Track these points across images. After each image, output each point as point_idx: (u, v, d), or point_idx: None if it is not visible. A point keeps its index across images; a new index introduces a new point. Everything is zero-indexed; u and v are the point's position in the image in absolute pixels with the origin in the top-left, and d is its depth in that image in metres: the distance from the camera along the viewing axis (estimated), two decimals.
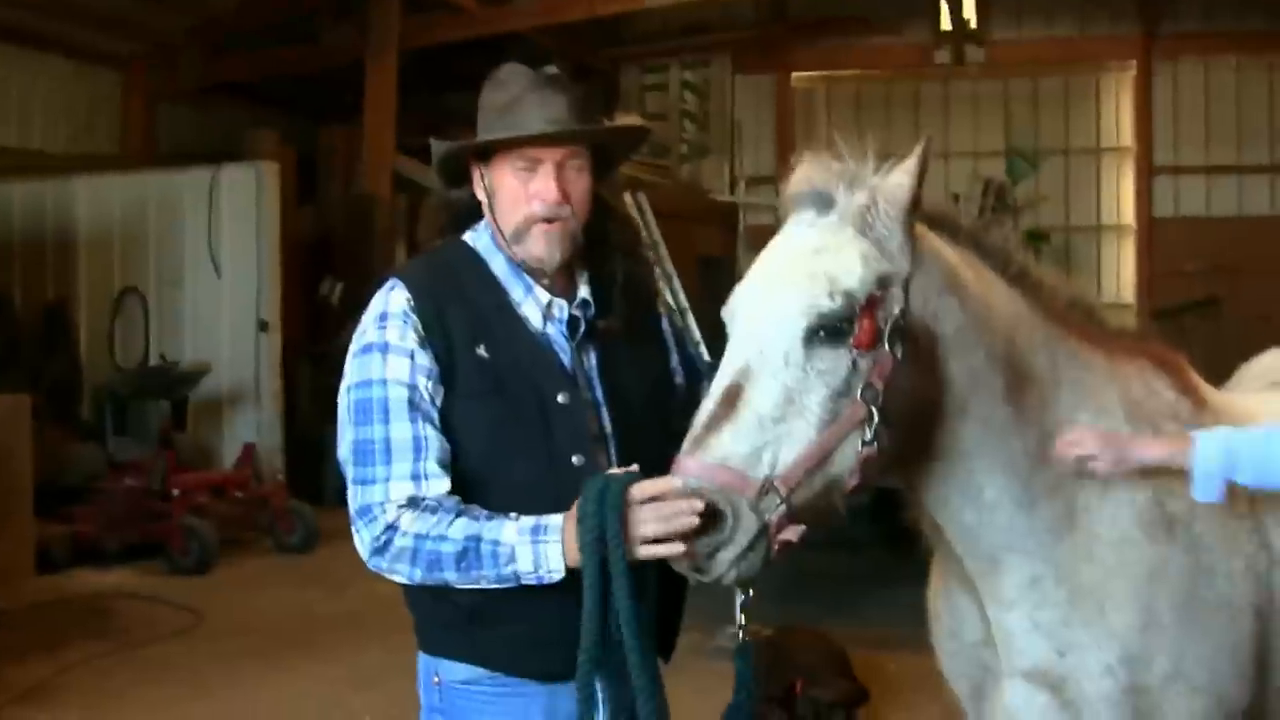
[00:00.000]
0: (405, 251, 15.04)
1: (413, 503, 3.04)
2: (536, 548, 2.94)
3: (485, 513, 3.02)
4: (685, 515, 2.74)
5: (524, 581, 2.96)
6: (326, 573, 11.17)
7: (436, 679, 3.26)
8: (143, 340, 14.36)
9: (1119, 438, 3.16)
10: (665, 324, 3.58)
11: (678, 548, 2.78)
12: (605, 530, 2.82)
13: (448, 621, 3.18)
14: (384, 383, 3.09)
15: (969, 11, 18.17)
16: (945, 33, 18.75)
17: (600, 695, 3.18)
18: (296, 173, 16.16)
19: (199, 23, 17.07)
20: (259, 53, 17.49)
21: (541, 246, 3.17)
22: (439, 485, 3.07)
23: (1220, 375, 4.25)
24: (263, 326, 14.43)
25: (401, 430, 3.07)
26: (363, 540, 3.08)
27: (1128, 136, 19.85)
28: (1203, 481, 3.10)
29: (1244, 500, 3.30)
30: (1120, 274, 19.93)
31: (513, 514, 2.99)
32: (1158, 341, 3.59)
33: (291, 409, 14.69)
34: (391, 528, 3.03)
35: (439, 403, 3.11)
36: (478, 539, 2.98)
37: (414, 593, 3.17)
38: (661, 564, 2.84)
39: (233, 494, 13.01)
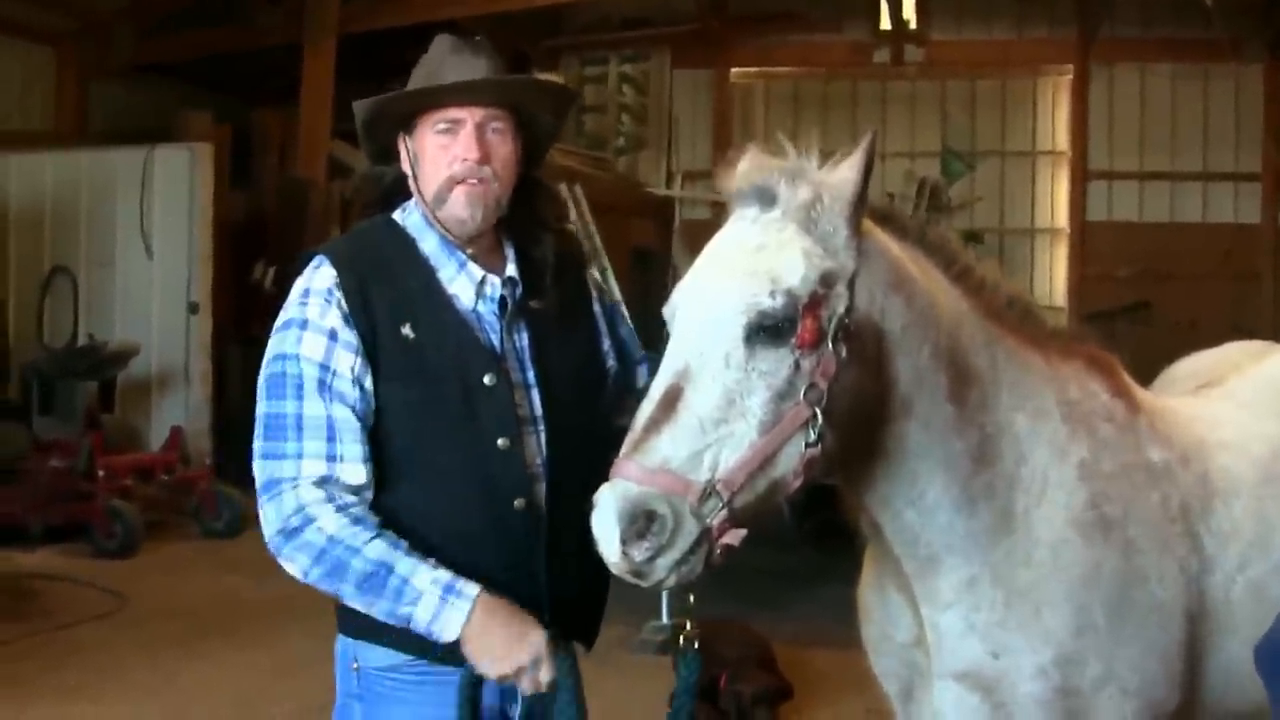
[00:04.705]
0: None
1: (324, 483, 2.98)
2: (442, 605, 2.92)
3: (405, 545, 2.97)
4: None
5: (414, 628, 2.94)
6: (252, 559, 10.92)
7: (355, 665, 3.19)
8: (72, 320, 14.18)
9: None
10: (596, 305, 3.53)
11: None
12: None
13: None
14: (297, 359, 3.04)
15: (909, 11, 18.21)
16: (884, 32, 18.74)
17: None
18: (231, 154, 15.98)
19: (132, 1, 16.86)
20: (193, 33, 17.27)
21: (462, 207, 3.14)
22: (353, 472, 3.02)
23: (1149, 380, 4.28)
24: (193, 309, 14.32)
25: (314, 408, 3.02)
26: (268, 518, 3.01)
27: (1063, 140, 19.95)
28: None
29: (1176, 504, 3.33)
30: (1052, 277, 20.04)
31: (431, 560, 2.96)
32: (1092, 343, 3.59)
33: (221, 392, 14.55)
34: (307, 517, 2.96)
35: (367, 383, 3.06)
36: (390, 568, 2.93)
37: None
38: (585, 550, 2.76)
39: (159, 477, 12.87)
